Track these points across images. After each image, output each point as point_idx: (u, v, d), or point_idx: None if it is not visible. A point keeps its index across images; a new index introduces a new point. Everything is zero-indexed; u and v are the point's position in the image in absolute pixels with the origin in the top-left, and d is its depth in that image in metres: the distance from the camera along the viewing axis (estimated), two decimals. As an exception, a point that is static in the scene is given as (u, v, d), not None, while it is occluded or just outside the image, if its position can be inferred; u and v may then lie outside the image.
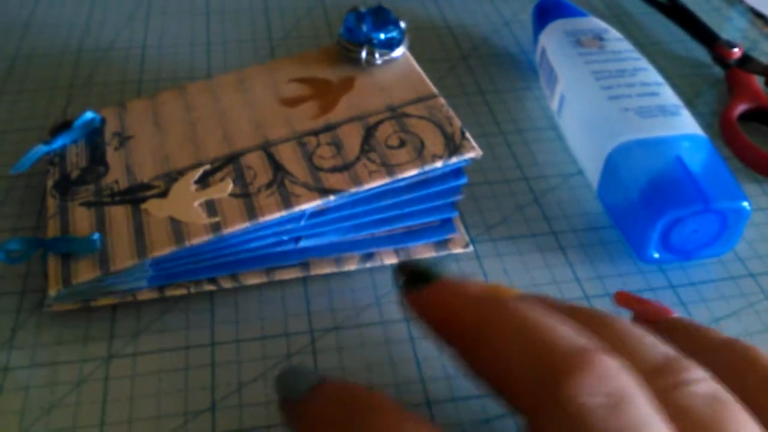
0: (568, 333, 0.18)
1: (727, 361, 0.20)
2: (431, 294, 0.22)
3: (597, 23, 0.38)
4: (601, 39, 0.36)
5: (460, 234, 0.30)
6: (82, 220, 0.28)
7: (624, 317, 0.21)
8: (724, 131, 0.36)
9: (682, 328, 0.22)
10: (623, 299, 0.24)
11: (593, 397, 0.16)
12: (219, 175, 0.29)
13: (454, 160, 0.28)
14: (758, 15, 0.46)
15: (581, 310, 0.21)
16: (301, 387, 0.20)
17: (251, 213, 0.27)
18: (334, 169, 0.28)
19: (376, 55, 0.33)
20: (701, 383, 0.18)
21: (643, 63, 0.35)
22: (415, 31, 0.44)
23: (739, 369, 0.19)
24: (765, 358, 0.20)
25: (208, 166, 0.29)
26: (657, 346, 0.19)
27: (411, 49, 0.34)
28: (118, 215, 0.28)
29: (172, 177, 0.29)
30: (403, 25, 0.33)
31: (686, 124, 0.31)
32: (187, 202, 0.28)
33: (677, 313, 0.23)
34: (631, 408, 0.16)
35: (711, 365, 0.19)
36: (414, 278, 0.22)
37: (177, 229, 0.27)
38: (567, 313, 0.20)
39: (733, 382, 0.19)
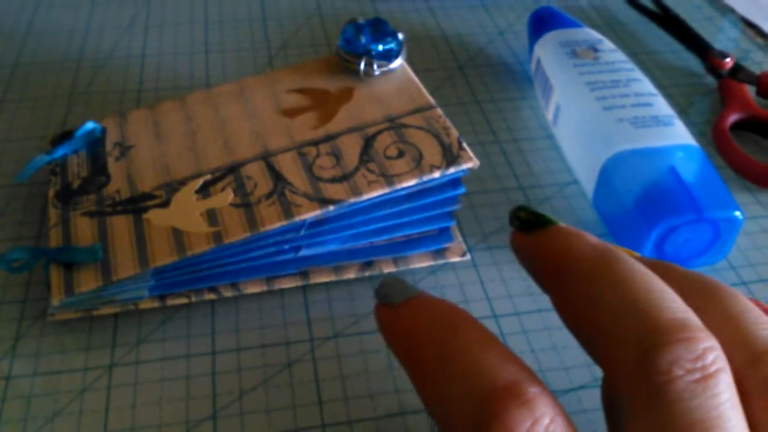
0: (676, 304, 0.18)
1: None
2: (544, 237, 0.21)
3: (591, 34, 0.38)
4: (595, 50, 0.37)
5: (457, 243, 0.31)
6: (84, 229, 0.28)
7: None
8: (716, 141, 0.37)
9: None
10: None
11: (685, 372, 0.16)
12: (220, 185, 0.29)
13: (451, 170, 0.29)
14: (750, 24, 0.47)
15: (703, 280, 0.20)
16: (399, 295, 0.21)
17: (252, 223, 0.27)
18: (334, 180, 0.29)
19: (375, 67, 0.33)
20: None
21: (637, 74, 0.35)
22: (412, 41, 0.44)
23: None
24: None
25: (208, 176, 0.30)
26: None
27: (408, 58, 0.34)
28: (120, 225, 0.28)
29: (174, 187, 0.29)
30: (400, 36, 0.34)
31: (680, 135, 0.32)
32: (188, 211, 0.28)
33: None
34: (718, 393, 0.16)
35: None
36: (528, 223, 0.22)
37: (178, 238, 0.27)
38: (687, 281, 0.20)
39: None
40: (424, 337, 0.19)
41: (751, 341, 0.18)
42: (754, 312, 0.19)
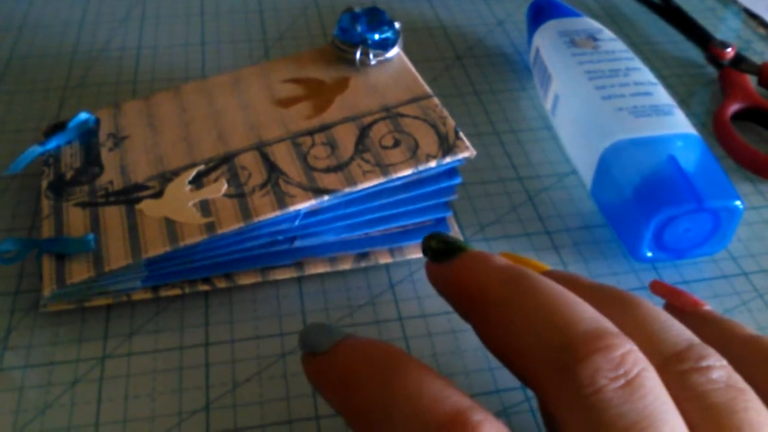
0: (588, 314, 0.18)
1: (754, 354, 0.20)
2: (454, 268, 0.21)
3: (591, 23, 0.38)
4: (594, 39, 0.36)
5: (454, 233, 0.31)
6: (76, 220, 0.28)
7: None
8: (717, 131, 0.37)
9: (711, 320, 0.22)
10: (658, 288, 0.24)
11: (609, 381, 0.17)
12: (213, 175, 0.29)
13: (448, 159, 0.28)
14: (752, 15, 0.47)
15: (611, 290, 0.21)
16: (326, 341, 0.20)
17: (245, 213, 0.27)
18: (329, 169, 0.28)
19: (371, 56, 0.33)
20: (720, 370, 0.18)
21: (637, 63, 0.35)
22: (410, 31, 0.44)
23: (765, 363, 0.20)
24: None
25: (202, 167, 0.29)
26: (681, 332, 0.19)
27: (405, 49, 0.34)
28: (113, 216, 0.28)
29: (167, 177, 0.29)
30: (397, 25, 0.33)
31: (679, 124, 0.31)
32: (181, 202, 0.28)
33: (709, 305, 0.23)
34: (646, 393, 0.17)
35: (738, 358, 0.19)
36: (439, 252, 0.22)
37: (171, 229, 0.27)
38: (595, 292, 0.21)
39: (759, 375, 0.19)
40: (359, 382, 0.19)
41: (660, 345, 0.18)
42: (661, 317, 0.20)
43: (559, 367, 0.17)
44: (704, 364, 0.18)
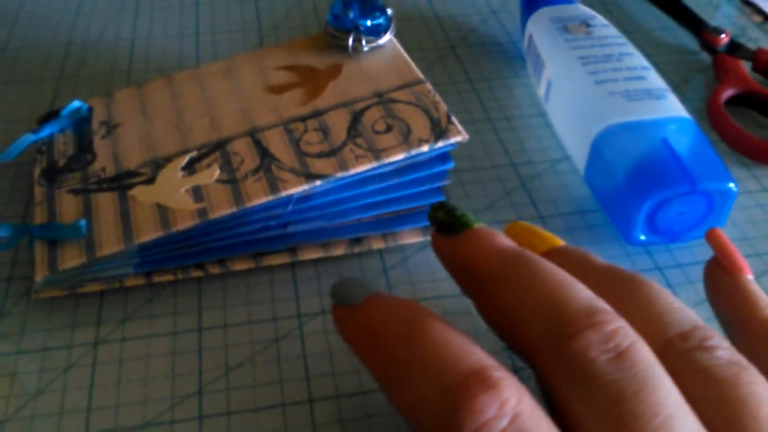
0: (583, 294, 0.19)
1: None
2: (459, 242, 0.22)
3: (584, 10, 0.38)
4: (587, 25, 0.36)
5: (447, 219, 0.30)
6: (68, 207, 0.28)
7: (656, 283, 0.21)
8: (711, 116, 0.37)
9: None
10: (713, 238, 0.23)
11: (600, 353, 0.17)
12: (206, 161, 0.29)
13: (440, 144, 0.28)
14: (747, 3, 0.47)
15: (619, 272, 0.21)
16: (358, 295, 0.21)
17: (238, 198, 0.27)
18: (321, 155, 0.28)
19: (363, 42, 0.33)
20: (723, 350, 0.18)
21: (630, 48, 0.35)
22: (404, 20, 0.44)
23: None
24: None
25: (194, 153, 0.29)
26: (685, 314, 0.20)
27: (399, 38, 0.34)
28: (105, 202, 0.28)
29: (159, 164, 0.29)
30: (389, 11, 0.33)
31: (672, 107, 0.31)
32: (173, 188, 0.28)
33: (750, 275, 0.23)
34: (636, 362, 0.17)
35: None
36: (445, 225, 0.22)
37: (163, 214, 0.27)
38: (602, 274, 0.21)
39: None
40: (387, 334, 0.19)
41: (664, 327, 0.19)
42: (667, 299, 0.20)
43: (554, 341, 0.18)
44: (707, 344, 0.18)
